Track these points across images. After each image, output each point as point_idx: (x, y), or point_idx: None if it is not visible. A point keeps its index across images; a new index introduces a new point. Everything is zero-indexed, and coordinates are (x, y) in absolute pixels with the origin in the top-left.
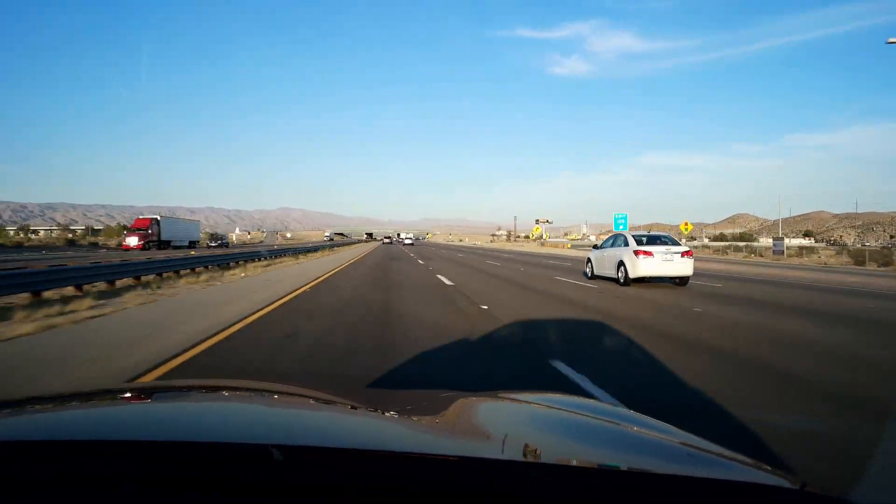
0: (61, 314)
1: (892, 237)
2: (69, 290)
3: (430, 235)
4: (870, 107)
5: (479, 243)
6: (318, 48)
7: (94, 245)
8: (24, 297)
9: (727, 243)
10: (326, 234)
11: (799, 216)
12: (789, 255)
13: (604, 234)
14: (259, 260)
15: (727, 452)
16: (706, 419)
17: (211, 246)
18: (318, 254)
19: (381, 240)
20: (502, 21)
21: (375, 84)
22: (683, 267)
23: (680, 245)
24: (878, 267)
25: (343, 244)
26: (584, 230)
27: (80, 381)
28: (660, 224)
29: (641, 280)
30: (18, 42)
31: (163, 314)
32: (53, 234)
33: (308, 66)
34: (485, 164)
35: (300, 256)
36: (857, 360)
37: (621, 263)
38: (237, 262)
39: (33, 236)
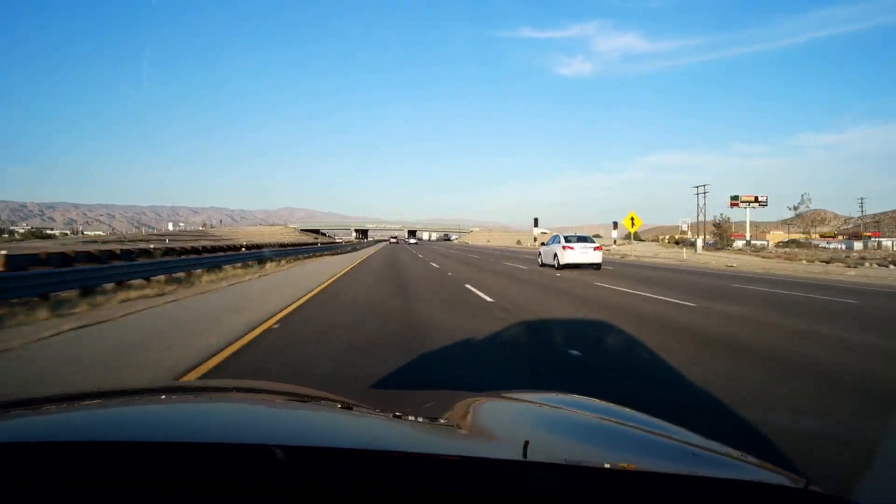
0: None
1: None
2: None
3: (461, 235)
4: (873, 107)
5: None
6: (319, 49)
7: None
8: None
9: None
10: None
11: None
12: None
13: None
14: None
15: (730, 451)
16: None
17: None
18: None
19: (390, 240)
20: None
21: (380, 85)
22: (595, 257)
23: (594, 242)
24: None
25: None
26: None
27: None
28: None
29: (567, 266)
30: (19, 42)
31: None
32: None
33: (310, 68)
34: (486, 163)
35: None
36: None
37: (556, 255)
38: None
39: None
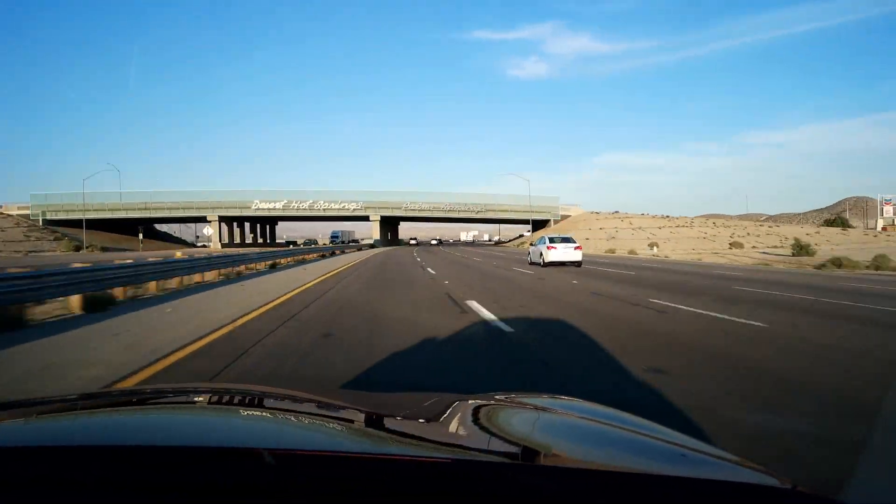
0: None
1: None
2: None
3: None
4: (822, 105)
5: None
6: (322, 50)
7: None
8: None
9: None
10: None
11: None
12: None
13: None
14: None
15: (718, 452)
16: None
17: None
18: None
19: (409, 241)
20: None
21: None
22: (575, 255)
23: (575, 242)
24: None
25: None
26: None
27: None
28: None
29: (552, 264)
30: (18, 42)
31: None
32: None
33: (313, 68)
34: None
35: None
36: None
37: (541, 254)
38: None
39: None
